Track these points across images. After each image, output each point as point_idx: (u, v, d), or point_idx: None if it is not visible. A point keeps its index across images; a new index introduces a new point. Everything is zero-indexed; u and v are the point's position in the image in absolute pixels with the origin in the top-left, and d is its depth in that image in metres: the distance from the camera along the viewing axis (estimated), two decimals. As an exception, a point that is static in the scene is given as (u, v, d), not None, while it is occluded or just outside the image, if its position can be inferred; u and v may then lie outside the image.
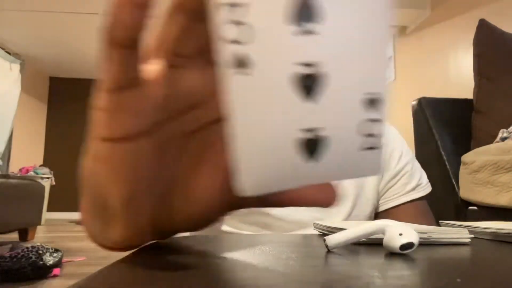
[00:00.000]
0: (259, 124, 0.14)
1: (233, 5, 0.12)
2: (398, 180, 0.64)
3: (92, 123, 0.18)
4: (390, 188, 0.64)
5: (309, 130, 0.14)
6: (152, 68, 0.18)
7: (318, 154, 0.15)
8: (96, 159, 0.19)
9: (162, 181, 0.20)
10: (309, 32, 0.13)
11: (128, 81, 0.16)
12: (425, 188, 0.64)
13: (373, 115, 0.14)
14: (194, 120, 0.20)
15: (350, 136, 0.15)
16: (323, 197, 0.20)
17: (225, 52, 0.13)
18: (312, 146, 0.15)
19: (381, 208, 0.64)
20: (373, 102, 0.14)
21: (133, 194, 0.19)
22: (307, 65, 0.13)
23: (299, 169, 0.15)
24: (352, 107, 0.14)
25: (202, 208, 0.21)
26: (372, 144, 0.15)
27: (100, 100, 0.17)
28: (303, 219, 0.58)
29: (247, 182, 0.15)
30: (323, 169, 0.15)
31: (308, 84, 0.14)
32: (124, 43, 0.15)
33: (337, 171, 0.16)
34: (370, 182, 0.64)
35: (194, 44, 0.17)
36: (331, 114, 0.14)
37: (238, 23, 0.13)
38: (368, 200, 0.63)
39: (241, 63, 0.13)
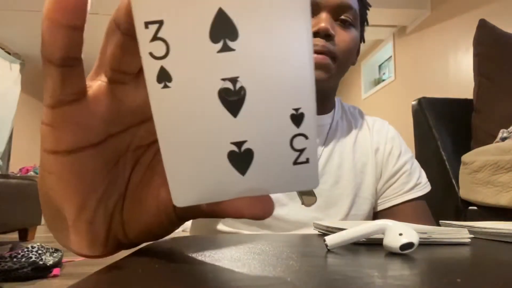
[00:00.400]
0: (183, 136, 0.15)
1: (150, 22, 0.13)
2: (397, 179, 0.64)
3: (41, 136, 0.18)
4: (389, 187, 0.64)
5: (233, 143, 0.15)
6: (96, 83, 0.18)
7: (244, 167, 0.15)
8: (45, 170, 0.19)
9: (115, 192, 0.20)
10: (224, 49, 0.13)
11: (68, 97, 0.17)
12: (424, 187, 0.64)
13: (299, 129, 0.15)
14: (146, 134, 0.20)
15: (277, 150, 0.15)
16: (259, 210, 0.20)
17: (147, 67, 0.14)
18: (237, 159, 0.15)
19: (380, 208, 0.64)
20: (297, 117, 0.15)
21: (84, 204, 0.19)
22: (225, 79, 0.14)
23: (229, 181, 0.16)
24: (275, 121, 0.15)
25: (151, 219, 0.21)
26: (304, 158, 0.15)
27: (44, 115, 0.17)
28: (302, 219, 0.58)
29: (178, 193, 0.16)
30: (255, 181, 0.16)
31: (228, 98, 0.14)
32: (60, 63, 0.15)
33: (269, 184, 0.16)
34: (368, 181, 0.63)
35: (134, 61, 0.17)
36: (253, 127, 0.15)
37: (155, 38, 0.13)
38: (366, 199, 0.62)
39: (161, 77, 0.14)
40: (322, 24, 0.55)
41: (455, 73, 2.61)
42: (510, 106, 1.26)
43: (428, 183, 0.65)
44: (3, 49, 3.89)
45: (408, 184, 0.63)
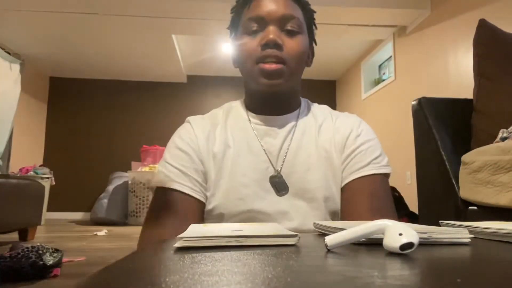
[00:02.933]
0: None
1: None
2: (352, 158, 0.67)
3: None
4: (345, 167, 0.67)
5: None
6: None
7: None
8: None
9: None
10: None
11: None
12: (380, 168, 0.66)
13: None
14: None
15: None
16: None
17: None
18: None
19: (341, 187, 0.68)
20: None
21: None
22: None
23: None
24: None
25: None
26: None
27: None
28: (281, 208, 0.62)
29: None
30: None
31: None
32: None
33: None
34: (335, 165, 0.67)
35: None
36: None
37: None
38: (337, 183, 0.67)
39: None
40: (271, 36, 0.63)
41: (455, 73, 2.61)
42: (510, 106, 1.25)
43: (389, 167, 0.68)
44: (3, 49, 3.88)
45: (360, 163, 0.66)
